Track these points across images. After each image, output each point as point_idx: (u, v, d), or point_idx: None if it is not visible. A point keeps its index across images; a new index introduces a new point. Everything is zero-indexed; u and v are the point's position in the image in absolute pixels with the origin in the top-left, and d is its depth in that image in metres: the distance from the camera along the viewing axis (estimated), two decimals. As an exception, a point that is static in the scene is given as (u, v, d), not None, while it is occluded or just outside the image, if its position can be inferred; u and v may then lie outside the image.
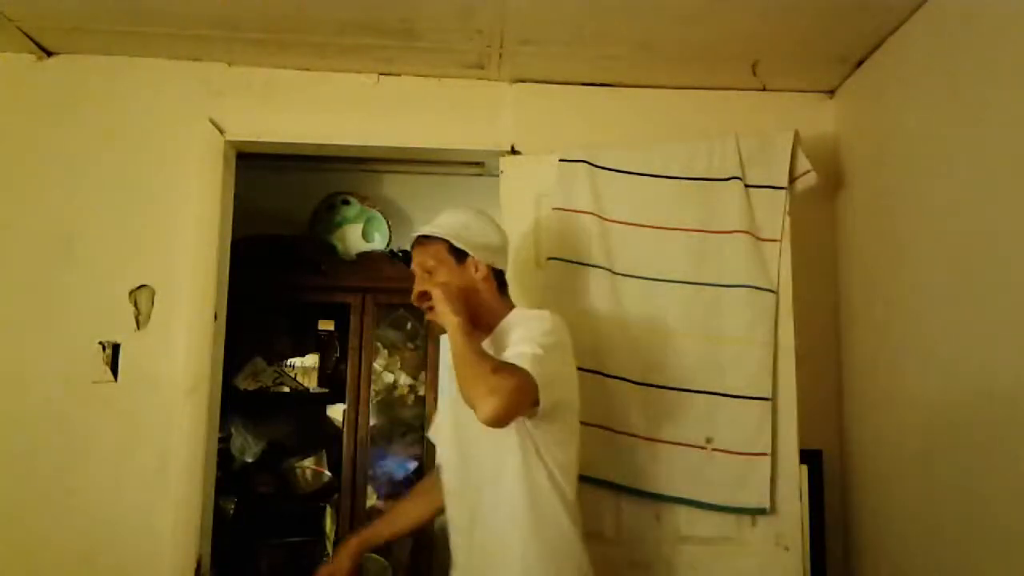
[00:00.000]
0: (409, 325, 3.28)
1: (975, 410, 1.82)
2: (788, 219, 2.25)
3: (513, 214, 2.33)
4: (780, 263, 2.23)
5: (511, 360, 1.56)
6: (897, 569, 2.15)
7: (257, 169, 2.74)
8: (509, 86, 2.56)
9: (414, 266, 1.80)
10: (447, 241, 1.76)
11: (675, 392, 2.17)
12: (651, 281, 2.23)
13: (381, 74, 2.53)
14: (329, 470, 3.16)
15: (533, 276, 2.27)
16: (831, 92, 2.58)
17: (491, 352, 1.63)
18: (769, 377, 2.17)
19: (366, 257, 3.20)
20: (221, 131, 2.44)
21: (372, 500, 3.11)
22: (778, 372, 2.18)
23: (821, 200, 2.47)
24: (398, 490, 3.12)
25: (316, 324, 3.34)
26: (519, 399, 1.51)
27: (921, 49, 2.09)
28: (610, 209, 2.27)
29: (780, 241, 2.24)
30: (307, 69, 2.50)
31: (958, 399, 1.88)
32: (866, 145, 2.40)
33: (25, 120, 2.42)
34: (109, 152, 2.42)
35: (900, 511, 2.13)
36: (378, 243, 3.28)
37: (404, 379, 3.25)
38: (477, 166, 3.11)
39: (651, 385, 2.19)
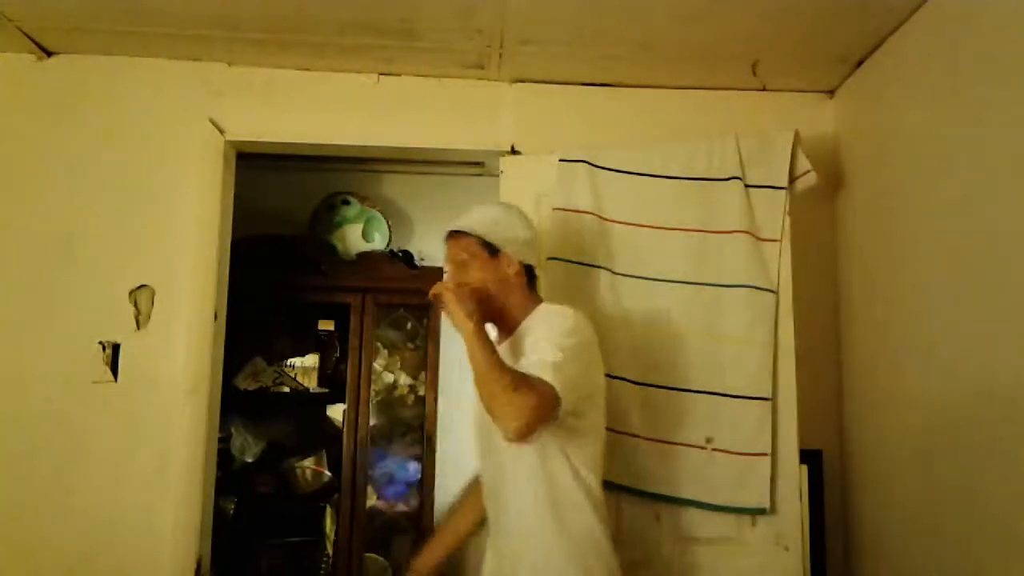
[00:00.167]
0: (409, 325, 3.28)
1: (975, 410, 1.82)
2: (788, 219, 2.25)
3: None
4: (780, 263, 2.23)
5: (531, 369, 1.55)
6: (897, 569, 2.15)
7: (257, 169, 2.74)
8: (509, 86, 2.56)
9: (445, 260, 1.80)
10: (479, 236, 1.76)
11: (675, 392, 2.17)
12: (651, 281, 2.24)
13: (381, 74, 2.53)
14: (329, 470, 3.16)
15: (533, 276, 2.27)
16: (831, 92, 2.58)
17: (514, 348, 1.64)
18: (769, 377, 2.17)
19: (366, 257, 3.21)
20: (221, 131, 2.45)
21: (372, 500, 3.11)
22: (778, 372, 2.18)
23: (821, 200, 2.47)
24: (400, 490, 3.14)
25: (316, 324, 3.34)
26: (540, 415, 1.51)
27: (921, 49, 2.09)
28: (610, 209, 2.27)
29: (780, 241, 2.24)
30: (307, 69, 2.50)
31: (958, 399, 1.88)
32: (866, 145, 2.40)
33: (25, 120, 2.42)
34: (109, 152, 2.42)
35: (900, 511, 2.13)
36: (378, 243, 3.28)
37: (404, 379, 3.25)
38: (477, 166, 3.12)
39: (651, 385, 2.19)
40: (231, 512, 3.03)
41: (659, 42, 2.32)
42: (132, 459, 2.30)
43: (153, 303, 2.36)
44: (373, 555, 3.10)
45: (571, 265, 2.24)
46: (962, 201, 1.89)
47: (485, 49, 2.36)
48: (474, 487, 1.90)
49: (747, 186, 2.25)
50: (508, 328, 1.76)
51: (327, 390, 3.25)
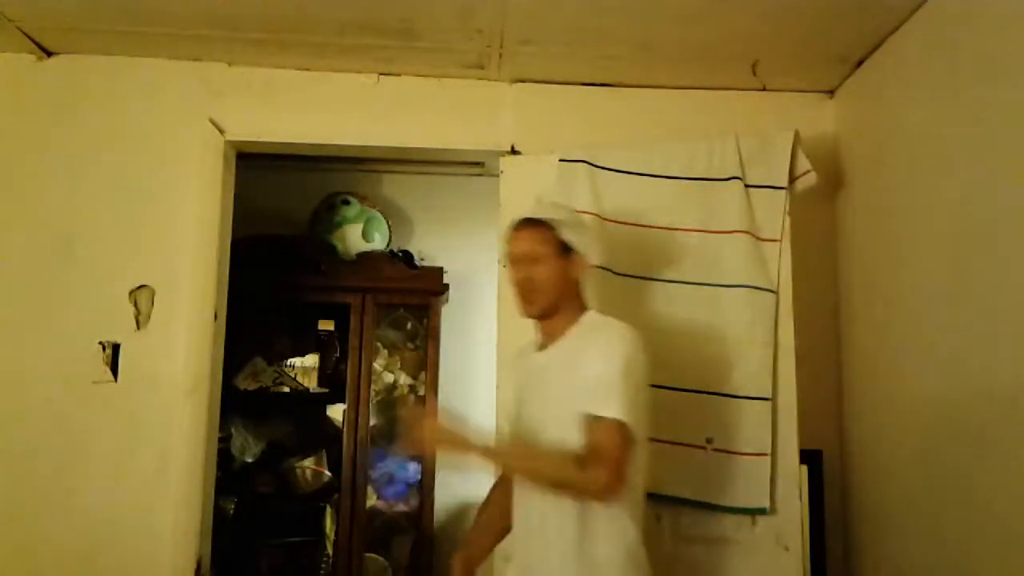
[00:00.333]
0: (409, 325, 3.28)
1: (975, 409, 1.82)
2: (788, 219, 2.25)
3: (513, 214, 2.31)
4: (780, 263, 2.23)
5: (599, 406, 1.55)
6: (897, 569, 2.15)
7: (257, 169, 2.75)
8: (509, 86, 2.56)
9: (511, 253, 1.76)
10: (558, 231, 1.71)
11: (675, 392, 2.17)
12: (651, 281, 2.24)
13: (381, 74, 2.53)
14: (329, 470, 3.16)
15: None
16: (831, 92, 2.58)
17: (565, 357, 1.65)
18: (769, 377, 2.17)
19: (366, 257, 3.20)
20: (221, 131, 2.45)
21: (372, 500, 3.11)
22: (778, 372, 2.18)
23: (821, 200, 2.47)
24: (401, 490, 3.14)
25: (316, 324, 3.34)
26: (625, 465, 1.54)
27: (921, 49, 2.09)
28: (610, 209, 2.27)
29: (780, 241, 2.24)
30: (307, 69, 2.50)
31: (958, 398, 1.88)
32: (866, 145, 2.40)
33: (25, 120, 2.42)
34: (109, 152, 2.42)
35: (900, 511, 2.13)
36: (378, 243, 3.27)
37: (404, 379, 3.24)
38: (477, 166, 3.12)
39: (651, 385, 2.18)
40: (231, 512, 3.02)
41: (659, 42, 2.32)
42: (132, 459, 2.30)
43: (153, 303, 2.36)
44: (373, 555, 3.10)
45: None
46: (962, 201, 1.89)
47: (485, 49, 2.36)
48: (502, 484, 1.86)
49: (747, 186, 2.25)
50: (555, 331, 1.73)
51: (327, 390, 3.25)
